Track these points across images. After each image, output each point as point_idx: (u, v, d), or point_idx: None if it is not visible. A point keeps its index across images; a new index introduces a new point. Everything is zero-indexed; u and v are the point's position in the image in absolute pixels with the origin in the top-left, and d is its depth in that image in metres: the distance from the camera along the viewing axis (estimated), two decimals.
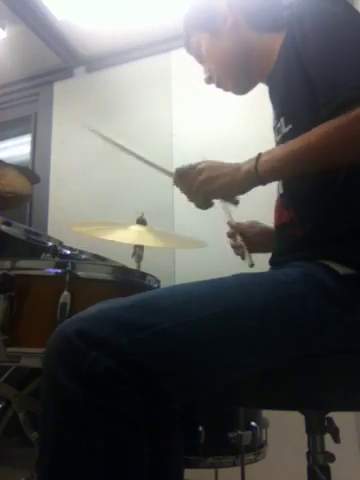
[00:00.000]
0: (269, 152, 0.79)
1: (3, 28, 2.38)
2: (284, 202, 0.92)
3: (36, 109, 2.81)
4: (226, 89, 1.05)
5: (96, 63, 2.63)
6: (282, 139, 0.89)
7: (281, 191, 0.94)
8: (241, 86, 1.03)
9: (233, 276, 0.73)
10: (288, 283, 0.72)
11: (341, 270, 0.73)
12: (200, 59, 1.06)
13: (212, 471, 1.33)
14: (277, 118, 0.93)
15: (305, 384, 0.73)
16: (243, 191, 0.83)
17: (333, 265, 0.74)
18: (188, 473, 1.17)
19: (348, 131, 0.68)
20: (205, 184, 0.83)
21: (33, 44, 2.47)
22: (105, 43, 2.50)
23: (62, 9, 2.28)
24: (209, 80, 1.06)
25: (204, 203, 0.88)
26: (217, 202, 0.92)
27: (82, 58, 2.64)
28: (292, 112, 0.87)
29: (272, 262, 0.94)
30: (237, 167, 0.81)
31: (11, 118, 2.92)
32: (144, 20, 2.30)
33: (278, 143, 0.93)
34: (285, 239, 0.89)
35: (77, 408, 0.54)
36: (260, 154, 0.79)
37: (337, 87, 0.71)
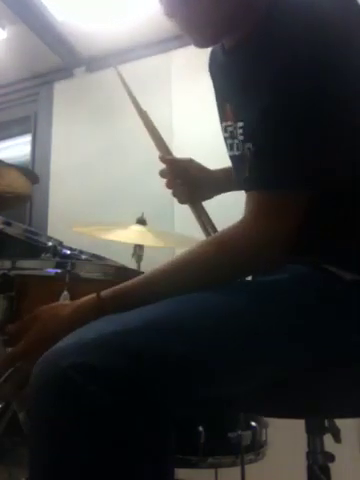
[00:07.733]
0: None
1: (3, 28, 2.38)
2: None
3: (36, 109, 2.81)
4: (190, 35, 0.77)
5: (96, 63, 2.63)
6: (240, 157, 0.72)
7: None
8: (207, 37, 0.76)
9: (228, 289, 0.66)
10: (280, 293, 0.66)
11: (348, 276, 0.67)
12: None
13: (212, 471, 1.32)
14: (234, 118, 0.75)
15: (307, 393, 0.70)
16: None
17: (337, 271, 0.68)
18: (188, 473, 1.17)
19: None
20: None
21: (33, 44, 2.47)
22: (105, 43, 2.50)
23: (62, 9, 2.28)
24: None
25: None
26: None
27: (82, 58, 2.64)
28: (252, 132, 0.68)
29: None
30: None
31: (11, 118, 2.92)
32: (144, 20, 2.30)
33: (234, 157, 0.79)
34: None
35: (76, 444, 0.50)
36: None
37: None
